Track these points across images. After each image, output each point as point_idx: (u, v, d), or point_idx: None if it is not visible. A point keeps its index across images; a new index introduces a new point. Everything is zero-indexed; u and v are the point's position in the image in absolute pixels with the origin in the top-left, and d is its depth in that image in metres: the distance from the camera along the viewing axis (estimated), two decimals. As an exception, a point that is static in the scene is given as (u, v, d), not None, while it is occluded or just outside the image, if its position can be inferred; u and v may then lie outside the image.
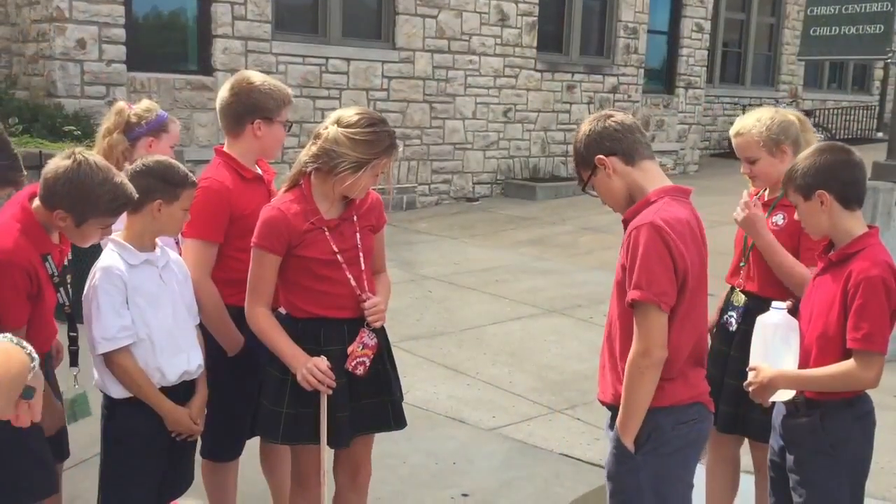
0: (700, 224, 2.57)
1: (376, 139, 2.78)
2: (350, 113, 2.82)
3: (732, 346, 3.27)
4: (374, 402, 2.95)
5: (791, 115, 3.32)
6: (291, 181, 2.90)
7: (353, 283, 2.87)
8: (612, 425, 2.61)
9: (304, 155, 2.85)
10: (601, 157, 2.56)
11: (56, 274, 2.78)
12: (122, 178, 2.72)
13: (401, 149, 11.19)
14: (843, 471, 2.70)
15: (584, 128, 2.62)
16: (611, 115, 2.61)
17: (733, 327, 3.28)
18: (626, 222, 2.55)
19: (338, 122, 2.80)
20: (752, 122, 3.24)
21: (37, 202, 2.70)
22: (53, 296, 2.80)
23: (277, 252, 2.82)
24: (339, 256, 2.85)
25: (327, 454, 2.97)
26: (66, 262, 2.94)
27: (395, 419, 3.02)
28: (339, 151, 2.76)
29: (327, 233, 2.84)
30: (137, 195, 2.74)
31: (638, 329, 2.44)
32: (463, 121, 11.94)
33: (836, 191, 2.65)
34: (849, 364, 2.58)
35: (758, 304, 3.11)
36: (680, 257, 2.40)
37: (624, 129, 2.56)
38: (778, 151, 3.19)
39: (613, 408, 2.59)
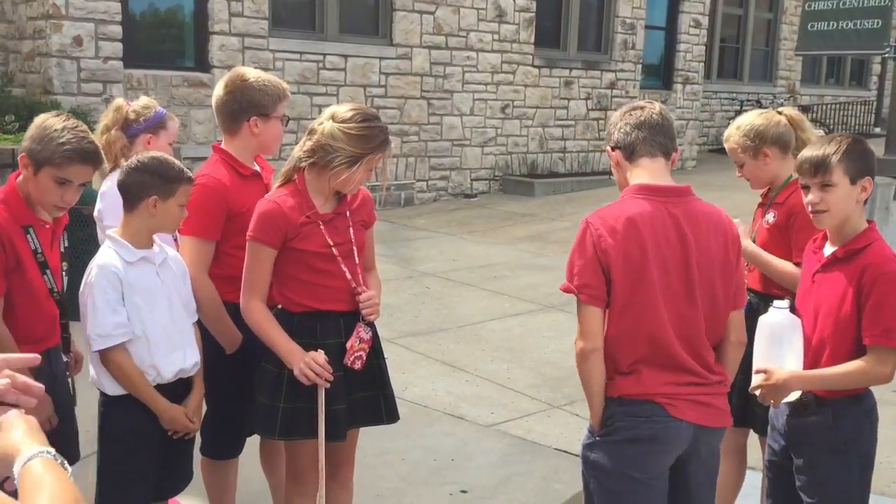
0: (676, 223, 2.48)
1: (371, 134, 2.81)
2: (344, 109, 2.85)
3: None
4: (366, 395, 2.96)
5: (782, 115, 3.33)
6: (285, 177, 2.92)
7: (348, 275, 2.88)
8: None
9: (298, 150, 2.87)
10: (608, 149, 2.66)
11: (40, 251, 2.78)
12: (88, 135, 2.77)
13: (399, 145, 11.20)
14: (854, 467, 2.70)
15: (612, 118, 2.71)
16: (633, 109, 2.63)
17: None
18: None
19: (332, 118, 2.82)
20: (733, 129, 3.34)
21: (21, 174, 2.77)
22: (38, 277, 2.79)
23: (273, 245, 2.83)
24: (334, 249, 2.86)
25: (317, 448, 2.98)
26: (62, 249, 2.94)
27: (387, 413, 3.03)
28: (334, 146, 2.78)
29: (322, 226, 2.86)
30: (132, 190, 2.75)
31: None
32: (461, 117, 11.93)
33: (873, 181, 2.68)
34: (863, 360, 2.57)
35: (759, 301, 3.15)
36: (603, 253, 2.43)
37: (635, 124, 2.58)
38: (760, 155, 3.26)
39: None
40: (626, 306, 2.45)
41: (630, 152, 2.58)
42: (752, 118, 3.31)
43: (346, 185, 2.83)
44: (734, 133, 3.30)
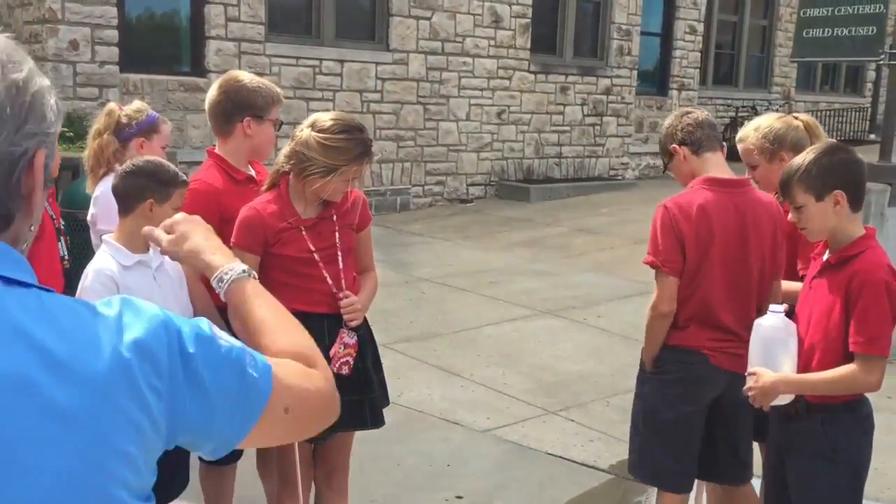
0: (737, 209, 2.96)
1: (347, 146, 2.78)
2: (326, 118, 2.84)
3: None
4: (351, 399, 2.94)
5: (798, 120, 3.31)
6: (271, 181, 2.94)
7: (329, 281, 2.87)
8: None
9: (281, 155, 2.88)
10: (675, 146, 3.06)
11: (54, 217, 2.80)
12: None
13: (395, 150, 11.22)
14: (843, 475, 2.68)
15: (666, 122, 3.16)
16: (688, 112, 3.11)
17: None
18: None
19: (312, 126, 2.82)
20: (750, 130, 3.30)
21: None
22: (55, 245, 2.79)
23: (255, 251, 2.84)
24: (315, 255, 2.86)
25: (307, 451, 2.99)
26: (58, 226, 2.94)
27: (371, 418, 3.01)
28: (308, 155, 2.78)
29: (304, 232, 2.86)
30: (128, 194, 2.77)
31: (655, 286, 3.02)
32: (457, 122, 11.94)
33: (850, 191, 2.63)
34: (851, 367, 2.56)
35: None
36: (679, 232, 2.94)
37: (696, 124, 3.05)
38: (776, 159, 3.22)
39: None
40: (691, 276, 2.98)
41: (697, 147, 3.04)
42: (770, 121, 3.28)
43: (320, 192, 2.83)
44: (752, 134, 3.26)
